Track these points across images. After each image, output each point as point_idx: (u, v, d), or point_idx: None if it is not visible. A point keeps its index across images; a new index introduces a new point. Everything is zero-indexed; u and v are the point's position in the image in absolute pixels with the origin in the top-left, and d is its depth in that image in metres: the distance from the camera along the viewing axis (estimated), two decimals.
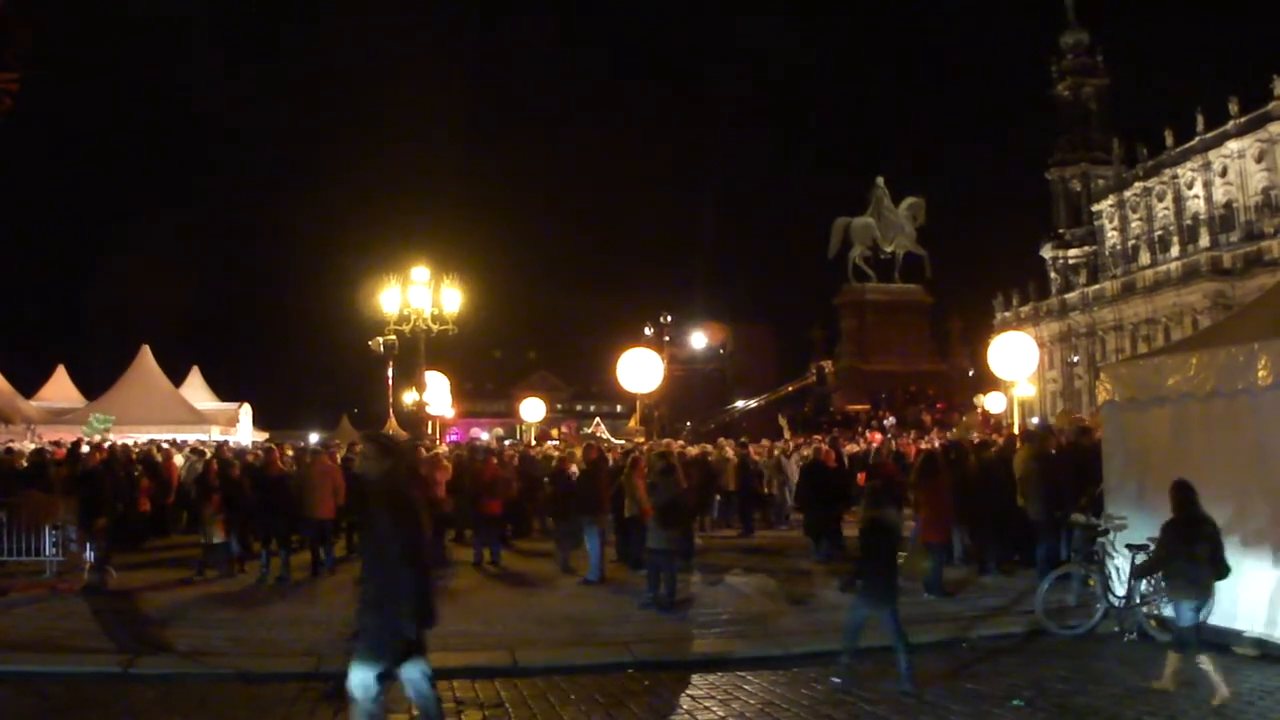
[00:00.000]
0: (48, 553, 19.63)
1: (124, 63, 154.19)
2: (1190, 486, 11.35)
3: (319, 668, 12.84)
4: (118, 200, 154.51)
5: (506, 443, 43.73)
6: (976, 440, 26.45)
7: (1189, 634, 10.95)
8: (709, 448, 31.07)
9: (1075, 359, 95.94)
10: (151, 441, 33.33)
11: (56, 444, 29.89)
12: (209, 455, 26.78)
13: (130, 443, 31.96)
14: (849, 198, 70.23)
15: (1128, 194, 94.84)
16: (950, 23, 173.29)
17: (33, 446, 30.34)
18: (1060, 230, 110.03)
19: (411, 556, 8.01)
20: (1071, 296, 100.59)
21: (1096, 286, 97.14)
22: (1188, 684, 10.92)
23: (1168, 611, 13.36)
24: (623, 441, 40.29)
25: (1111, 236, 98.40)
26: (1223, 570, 11.19)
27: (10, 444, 31.80)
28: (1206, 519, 11.26)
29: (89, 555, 19.01)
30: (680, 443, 35.67)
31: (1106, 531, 14.41)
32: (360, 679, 8.10)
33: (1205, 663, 10.67)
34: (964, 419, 39.46)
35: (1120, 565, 13.93)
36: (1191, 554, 11.03)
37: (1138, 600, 13.57)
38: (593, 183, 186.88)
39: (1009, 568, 18.86)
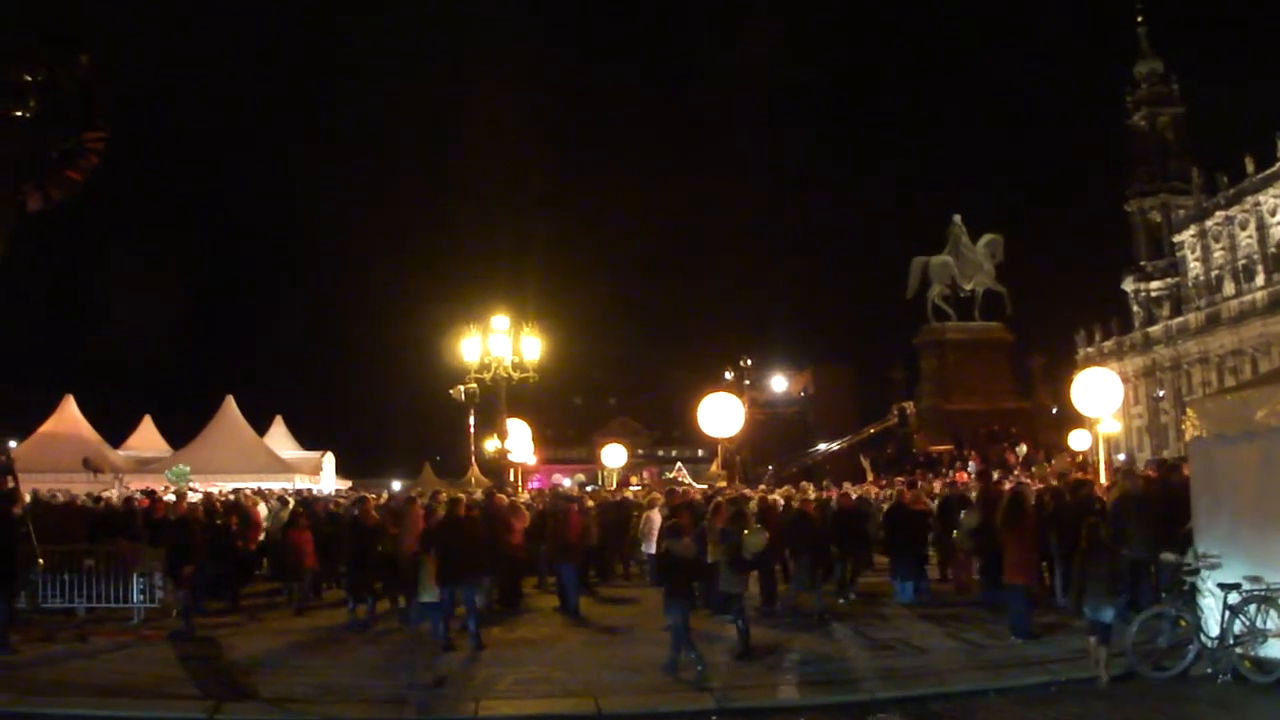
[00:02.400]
0: (135, 599, 19.98)
1: (202, 110, 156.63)
2: (1099, 526, 14.74)
3: (403, 715, 12.92)
4: (202, 254, 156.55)
5: (588, 489, 43.77)
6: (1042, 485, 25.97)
7: (1100, 628, 13.83)
8: (792, 492, 30.89)
9: (1161, 394, 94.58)
10: (237, 490, 33.72)
11: (144, 493, 30.35)
12: (293, 503, 27.00)
13: (215, 491, 32.39)
14: (926, 236, 69.89)
15: (1209, 223, 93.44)
16: (1023, 58, 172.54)
17: (123, 495, 30.78)
18: (1141, 262, 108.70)
19: None
20: (1155, 330, 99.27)
21: (1180, 319, 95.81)
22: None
23: (1266, 652, 13.16)
24: (705, 487, 40.23)
25: (1194, 267, 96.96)
26: (1120, 586, 14.56)
27: (105, 494, 32.33)
28: (1112, 549, 14.53)
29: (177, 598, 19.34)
30: (762, 488, 35.58)
31: (1197, 570, 14.19)
32: None
33: (1098, 651, 13.76)
34: (1052, 462, 38.87)
35: (1213, 605, 13.69)
36: (1098, 574, 14.10)
37: (1231, 641, 13.33)
38: (672, 227, 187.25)
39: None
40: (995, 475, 36.33)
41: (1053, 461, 40.14)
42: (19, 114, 18.91)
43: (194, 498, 29.21)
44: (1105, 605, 13.98)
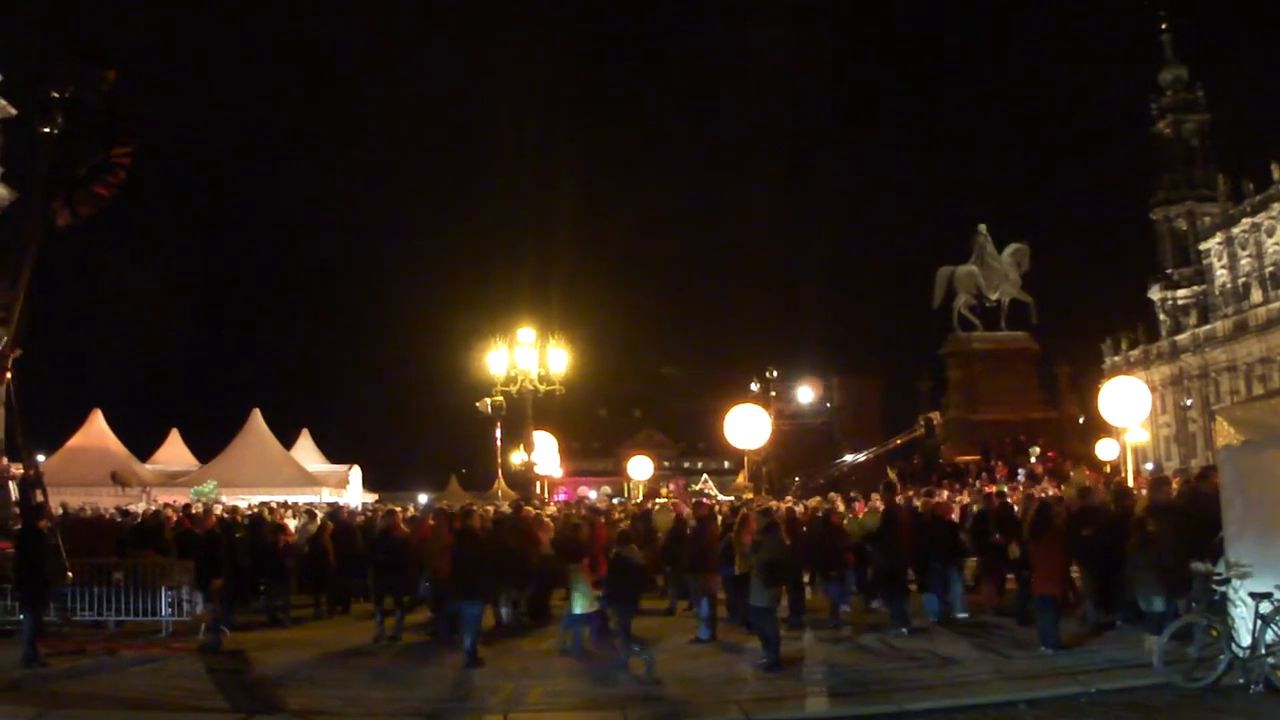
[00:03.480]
0: (164, 613, 20.06)
1: (231, 121, 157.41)
2: (1145, 521, 16.22)
3: None
4: (228, 268, 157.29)
5: (614, 501, 43.72)
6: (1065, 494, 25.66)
7: (1151, 619, 15.20)
8: (821, 501, 30.77)
9: (1188, 402, 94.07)
10: (264, 503, 33.79)
11: (169, 506, 30.43)
12: (320, 517, 27.05)
13: (243, 505, 32.47)
14: (952, 246, 69.64)
15: (1235, 230, 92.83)
16: (1046, 67, 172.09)
17: (151, 508, 30.88)
18: (1168, 270, 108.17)
19: None
20: (1182, 338, 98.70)
21: (1207, 327, 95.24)
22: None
23: None
24: (731, 498, 40.17)
25: (1221, 275, 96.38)
26: (1176, 582, 15.38)
27: (132, 507, 32.43)
28: (1157, 545, 15.61)
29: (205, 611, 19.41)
30: (789, 499, 35.42)
31: (1228, 579, 14.09)
32: None
33: (1150, 641, 14.64)
34: (1072, 475, 38.60)
35: (1244, 615, 13.58)
36: (1146, 566, 15.51)
37: (1263, 651, 13.23)
38: (698, 239, 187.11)
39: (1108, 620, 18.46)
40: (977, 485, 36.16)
41: (1071, 476, 39.86)
42: (47, 130, 19.15)
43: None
44: (1155, 595, 15.38)
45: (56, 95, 18.76)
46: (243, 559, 23.05)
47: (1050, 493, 27.52)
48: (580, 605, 17.40)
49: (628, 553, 17.10)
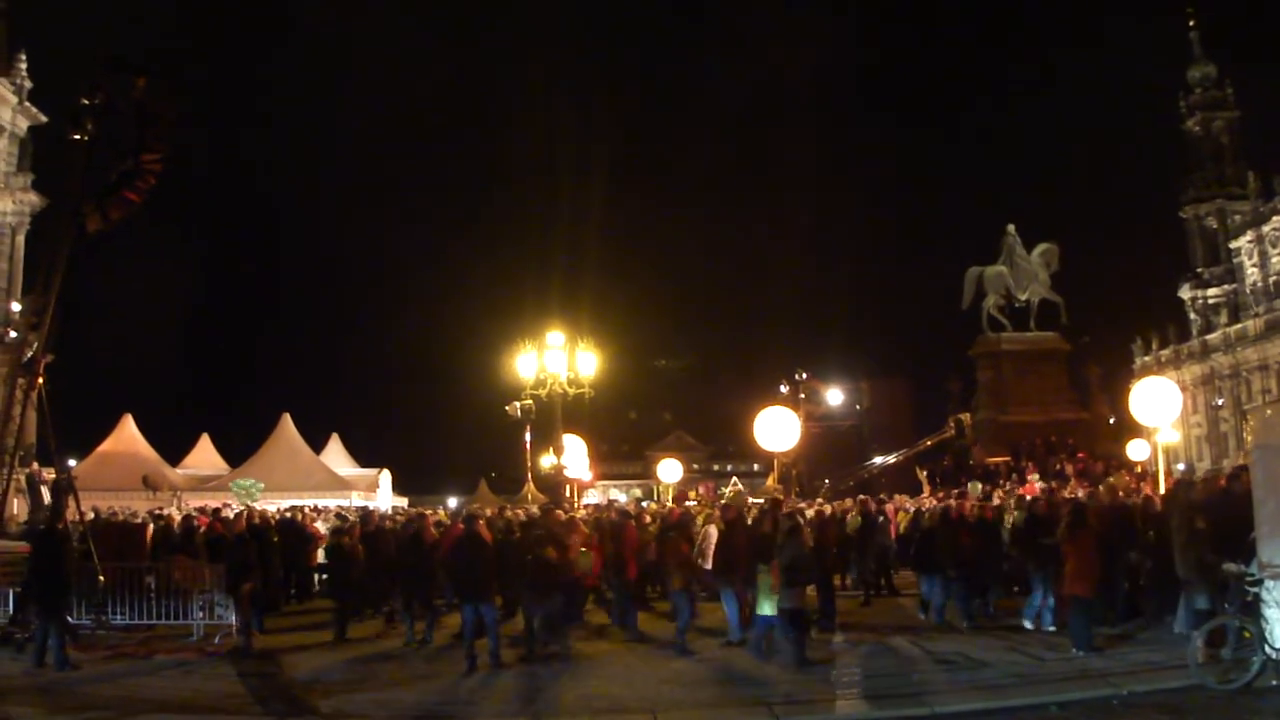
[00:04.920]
0: (195, 616, 20.12)
1: (256, 114, 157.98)
2: (1195, 518, 16.27)
3: None
4: (258, 274, 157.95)
5: (643, 504, 43.65)
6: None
7: (1199, 617, 15.33)
8: (850, 504, 30.70)
9: (1219, 402, 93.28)
10: (294, 507, 33.91)
11: (202, 510, 30.56)
12: (352, 520, 27.13)
13: (274, 509, 32.61)
14: (981, 247, 69.25)
15: (1266, 229, 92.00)
16: (1074, 66, 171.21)
17: (181, 514, 31.03)
18: (1198, 269, 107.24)
19: None
20: (1213, 337, 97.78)
21: (1238, 326, 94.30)
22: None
23: None
24: (761, 501, 40.11)
25: (1252, 274, 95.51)
26: (1211, 576, 15.54)
27: (161, 510, 32.58)
28: (1200, 545, 15.85)
29: (234, 618, 19.47)
30: (819, 501, 35.33)
31: (1261, 580, 14.00)
32: None
33: (1197, 637, 14.14)
34: (1110, 479, 38.33)
35: (1277, 616, 13.50)
36: (1190, 562, 15.91)
37: None
38: (727, 241, 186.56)
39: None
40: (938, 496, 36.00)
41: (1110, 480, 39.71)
42: (78, 137, 19.31)
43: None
44: (1200, 593, 15.80)
45: (87, 102, 18.90)
46: (275, 564, 23.22)
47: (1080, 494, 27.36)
48: (768, 607, 17.32)
49: (545, 555, 17.84)
